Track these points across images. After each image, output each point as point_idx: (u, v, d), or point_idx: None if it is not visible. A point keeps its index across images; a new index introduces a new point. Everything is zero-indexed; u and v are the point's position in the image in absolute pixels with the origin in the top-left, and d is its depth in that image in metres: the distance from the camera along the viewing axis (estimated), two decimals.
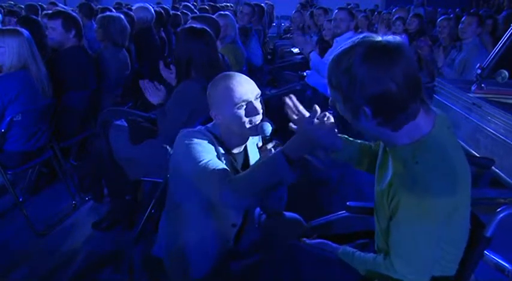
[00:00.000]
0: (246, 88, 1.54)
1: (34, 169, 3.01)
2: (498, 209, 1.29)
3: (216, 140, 1.57)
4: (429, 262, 1.19)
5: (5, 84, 2.50)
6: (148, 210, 2.54)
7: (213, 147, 1.52)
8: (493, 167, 2.44)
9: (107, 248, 2.53)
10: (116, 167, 2.52)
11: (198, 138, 1.51)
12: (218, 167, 1.43)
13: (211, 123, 1.64)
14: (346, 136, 1.55)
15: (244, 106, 1.53)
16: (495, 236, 1.31)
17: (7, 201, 2.92)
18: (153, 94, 2.45)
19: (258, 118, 1.55)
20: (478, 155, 2.61)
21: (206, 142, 1.52)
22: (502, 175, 2.44)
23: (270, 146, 1.50)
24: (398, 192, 1.14)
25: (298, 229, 1.68)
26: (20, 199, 2.71)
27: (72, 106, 3.03)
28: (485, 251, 1.34)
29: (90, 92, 3.17)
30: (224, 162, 1.53)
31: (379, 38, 1.11)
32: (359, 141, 1.57)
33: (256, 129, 1.54)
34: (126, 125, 2.57)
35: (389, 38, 1.11)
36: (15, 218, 2.74)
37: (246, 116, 1.52)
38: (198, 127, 1.63)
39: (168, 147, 2.33)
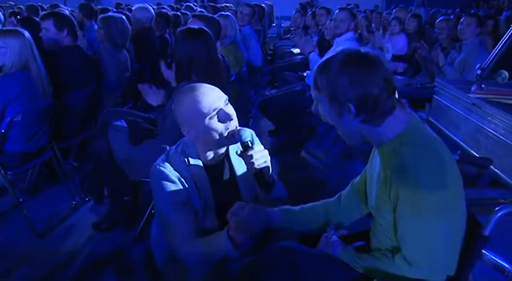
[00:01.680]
0: (213, 96, 1.50)
1: (34, 169, 3.02)
2: (496, 208, 1.30)
3: (189, 158, 1.55)
4: (441, 255, 1.20)
5: (5, 84, 2.50)
6: (148, 210, 2.55)
7: (181, 188, 1.52)
8: (493, 168, 2.43)
9: (107, 248, 2.53)
10: (115, 168, 2.52)
11: (165, 180, 1.51)
12: (178, 223, 1.52)
13: (186, 138, 1.59)
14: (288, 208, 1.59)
15: (216, 115, 1.49)
16: (495, 236, 1.31)
17: (7, 201, 2.92)
18: (151, 96, 2.46)
19: (233, 124, 1.52)
20: (478, 156, 2.61)
21: (173, 185, 1.51)
22: (502, 175, 2.44)
23: (250, 152, 1.50)
24: (394, 182, 1.18)
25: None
26: (20, 200, 2.71)
27: (72, 106, 3.03)
28: (485, 252, 1.34)
29: (89, 91, 3.17)
30: (196, 193, 1.55)
31: (361, 48, 1.24)
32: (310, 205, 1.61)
33: (234, 137, 1.51)
34: (126, 125, 2.58)
35: (368, 49, 1.25)
36: (16, 218, 2.74)
37: (221, 124, 1.49)
38: (172, 149, 1.60)
39: (168, 147, 2.34)
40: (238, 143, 1.54)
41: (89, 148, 3.11)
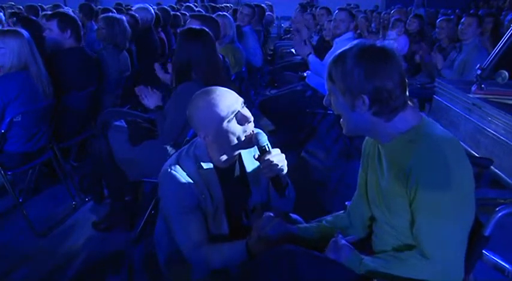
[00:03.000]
0: (230, 99, 1.48)
1: (34, 170, 3.01)
2: (497, 209, 1.30)
3: (201, 162, 1.53)
4: (455, 252, 1.21)
5: (4, 85, 2.50)
6: (148, 211, 2.55)
7: (192, 192, 1.49)
8: (493, 168, 2.44)
9: (107, 248, 2.53)
10: (115, 168, 2.52)
11: (176, 184, 1.48)
12: (189, 228, 1.50)
13: (197, 141, 1.58)
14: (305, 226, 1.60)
15: (234, 117, 1.47)
16: (495, 236, 1.31)
17: (7, 201, 2.92)
18: (148, 98, 2.46)
19: (250, 126, 1.50)
20: (478, 156, 2.61)
21: (184, 189, 1.48)
22: (502, 175, 2.44)
23: (268, 156, 1.47)
24: (411, 175, 1.18)
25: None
26: (20, 200, 2.71)
27: (72, 107, 3.03)
28: (485, 252, 1.34)
29: (90, 92, 3.17)
30: (208, 197, 1.53)
31: (376, 42, 1.25)
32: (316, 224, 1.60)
33: (251, 141, 1.49)
34: (126, 126, 2.58)
35: (383, 43, 1.28)
36: (15, 218, 2.74)
37: (239, 126, 1.47)
38: (184, 151, 1.57)
39: (168, 147, 2.34)
40: (255, 146, 1.52)
41: (89, 148, 3.11)
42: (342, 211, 1.63)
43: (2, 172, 2.53)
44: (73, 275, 2.30)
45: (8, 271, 2.33)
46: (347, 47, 1.25)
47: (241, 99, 1.51)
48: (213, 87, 1.52)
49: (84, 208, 2.99)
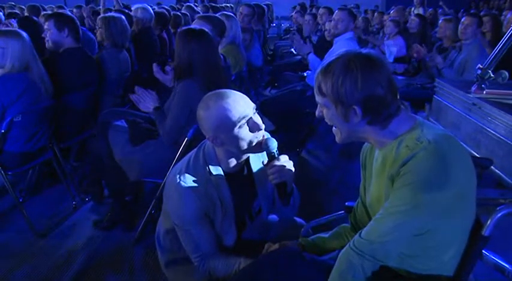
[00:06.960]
0: (243, 104, 1.45)
1: (34, 170, 3.01)
2: (497, 209, 1.29)
3: (210, 167, 1.51)
4: (393, 245, 1.19)
5: (7, 85, 2.50)
6: (149, 210, 2.55)
7: (201, 200, 1.47)
8: (493, 168, 2.43)
9: (107, 248, 2.53)
10: (115, 168, 2.51)
11: (186, 194, 1.46)
12: (201, 237, 1.50)
13: (206, 144, 1.56)
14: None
15: (246, 124, 1.44)
16: (495, 236, 1.30)
17: (7, 201, 2.92)
18: (144, 101, 2.45)
19: (261, 133, 1.48)
20: (478, 156, 2.61)
21: (195, 198, 1.46)
22: (503, 175, 2.44)
23: (276, 163, 1.47)
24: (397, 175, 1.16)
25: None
26: (20, 200, 2.71)
27: (72, 107, 3.03)
28: (485, 252, 1.34)
29: (90, 92, 3.17)
30: (218, 202, 1.52)
31: (362, 50, 1.24)
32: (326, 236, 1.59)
33: (261, 146, 1.47)
34: (126, 125, 2.58)
35: (370, 50, 1.25)
36: (16, 218, 2.75)
37: (250, 133, 1.45)
38: (192, 157, 1.55)
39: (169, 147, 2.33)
40: (264, 152, 1.51)
41: (89, 148, 3.11)
42: (342, 212, 1.63)
43: (2, 172, 2.54)
44: (73, 275, 2.31)
45: (8, 271, 2.33)
46: (333, 58, 1.23)
47: (253, 105, 1.48)
48: (228, 91, 1.48)
49: (84, 208, 2.99)
